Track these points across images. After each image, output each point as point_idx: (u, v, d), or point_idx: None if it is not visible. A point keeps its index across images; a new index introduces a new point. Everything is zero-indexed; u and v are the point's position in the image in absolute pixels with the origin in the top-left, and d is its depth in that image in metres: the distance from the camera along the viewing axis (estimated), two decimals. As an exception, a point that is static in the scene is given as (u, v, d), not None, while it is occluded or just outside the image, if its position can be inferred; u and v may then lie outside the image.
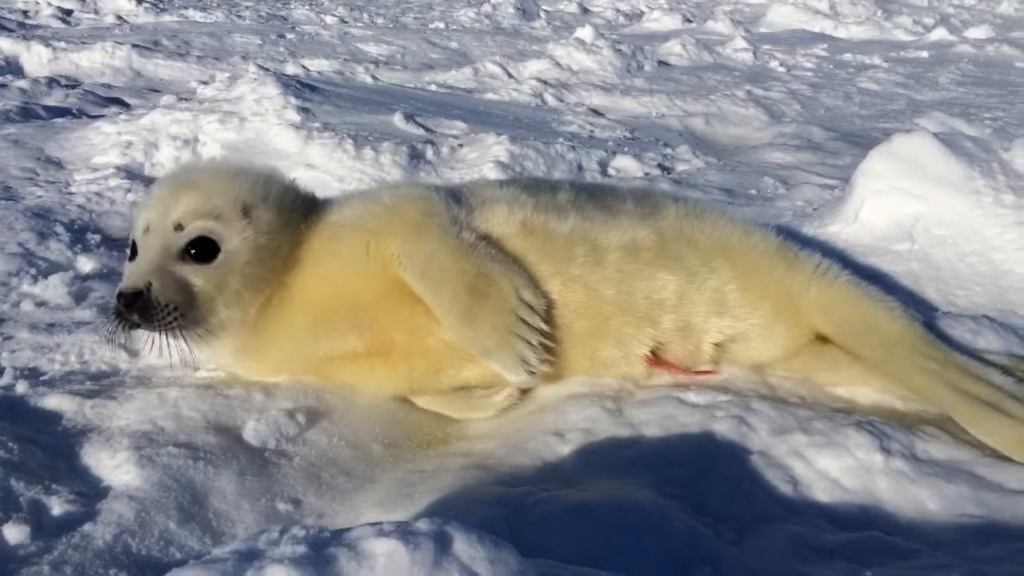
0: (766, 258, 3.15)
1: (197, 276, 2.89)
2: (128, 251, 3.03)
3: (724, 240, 3.18)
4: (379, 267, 2.95)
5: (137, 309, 2.77)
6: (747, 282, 3.10)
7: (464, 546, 1.53)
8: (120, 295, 2.80)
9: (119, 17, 16.71)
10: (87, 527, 2.30)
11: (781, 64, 14.76)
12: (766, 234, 3.27)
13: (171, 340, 2.86)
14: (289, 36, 14.95)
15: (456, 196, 3.17)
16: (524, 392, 3.11)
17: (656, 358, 3.09)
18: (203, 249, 2.90)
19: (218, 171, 3.13)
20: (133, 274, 2.87)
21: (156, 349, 2.88)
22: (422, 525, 1.56)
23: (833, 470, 2.53)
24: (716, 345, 3.12)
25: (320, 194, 3.39)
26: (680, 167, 7.44)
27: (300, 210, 3.14)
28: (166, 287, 2.82)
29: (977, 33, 19.35)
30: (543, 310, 2.91)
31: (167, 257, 2.88)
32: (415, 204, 3.06)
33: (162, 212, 2.93)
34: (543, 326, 2.88)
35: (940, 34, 18.96)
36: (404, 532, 1.53)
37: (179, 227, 2.90)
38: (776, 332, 3.12)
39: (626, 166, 7.17)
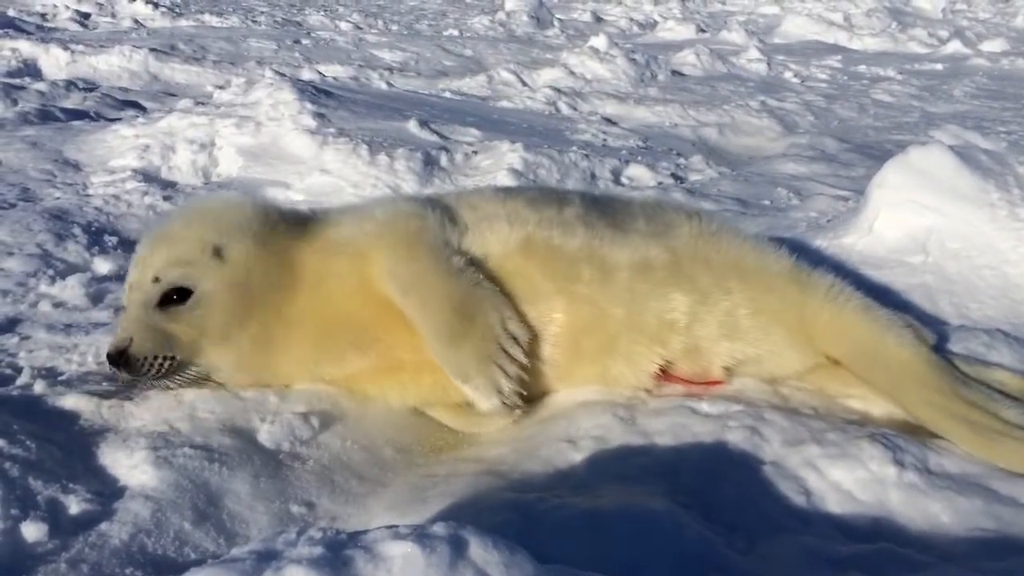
0: (780, 280, 3.10)
1: (173, 322, 2.96)
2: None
3: (738, 260, 3.13)
4: (372, 286, 2.96)
5: (123, 366, 2.91)
6: (760, 305, 3.06)
7: (479, 550, 1.55)
8: (108, 355, 2.94)
9: (136, 21, 16.85)
10: (104, 526, 2.33)
11: (795, 75, 14.77)
12: (780, 254, 3.20)
13: (167, 385, 2.97)
14: (304, 42, 15.05)
15: (452, 213, 3.15)
16: (530, 404, 3.11)
17: (666, 375, 3.08)
18: (178, 296, 2.98)
19: (189, 217, 3.19)
20: (118, 333, 2.99)
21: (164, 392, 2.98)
22: (438, 529, 1.58)
23: (846, 482, 2.53)
24: (726, 368, 3.11)
25: (317, 204, 3.38)
26: (693, 177, 7.46)
27: (285, 231, 3.14)
28: (144, 340, 2.92)
29: (992, 46, 19.33)
30: (527, 343, 2.92)
31: (147, 310, 2.97)
32: (407, 222, 3.06)
33: (142, 269, 3.04)
34: (524, 360, 2.89)
35: (955, 47, 18.94)
36: (420, 535, 1.55)
37: (156, 280, 2.99)
38: (788, 356, 3.09)
39: (639, 175, 7.19)
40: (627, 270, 3.04)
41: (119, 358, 2.90)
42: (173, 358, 2.94)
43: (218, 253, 3.02)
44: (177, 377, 2.97)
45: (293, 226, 3.20)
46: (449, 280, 2.90)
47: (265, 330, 3.02)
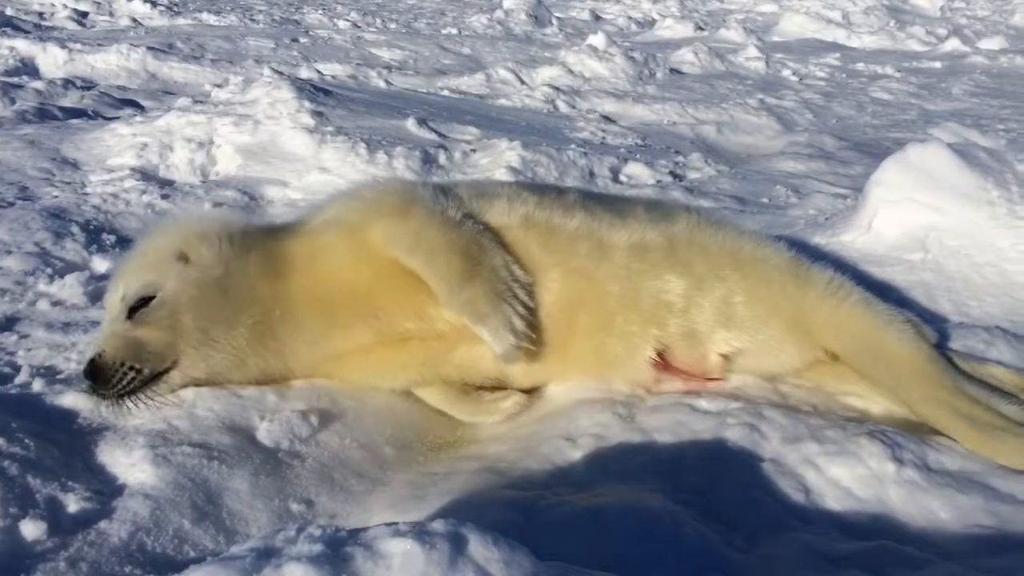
0: (778, 272, 3.12)
1: (142, 327, 2.88)
2: None
3: (735, 251, 3.16)
4: (368, 256, 2.99)
5: (96, 378, 2.80)
6: (756, 295, 3.08)
7: (479, 547, 1.55)
8: (83, 371, 2.84)
9: (134, 19, 16.81)
10: (103, 524, 2.32)
11: (793, 73, 14.75)
12: (779, 248, 3.23)
13: (139, 401, 2.82)
14: (302, 40, 15.02)
15: (446, 189, 3.21)
16: (533, 395, 3.13)
17: (664, 363, 3.09)
18: (142, 305, 2.91)
19: (158, 233, 3.16)
20: (89, 349, 2.94)
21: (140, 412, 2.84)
22: (438, 526, 1.57)
23: (845, 479, 2.53)
24: (723, 356, 3.11)
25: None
26: (692, 175, 7.45)
27: (266, 235, 3.15)
28: (113, 349, 2.83)
29: (990, 44, 19.30)
30: (529, 287, 2.97)
31: (117, 323, 2.91)
32: (398, 193, 3.13)
33: (113, 290, 3.02)
34: (530, 302, 2.93)
35: (953, 45, 18.91)
36: (420, 532, 1.54)
37: (124, 298, 2.94)
38: (786, 350, 3.10)
39: (638, 173, 7.18)
40: (624, 249, 3.09)
41: (89, 370, 2.82)
42: (140, 370, 2.83)
43: (184, 257, 3.00)
44: (146, 393, 2.84)
45: (276, 230, 3.23)
46: (449, 230, 2.96)
47: (263, 324, 3.00)
